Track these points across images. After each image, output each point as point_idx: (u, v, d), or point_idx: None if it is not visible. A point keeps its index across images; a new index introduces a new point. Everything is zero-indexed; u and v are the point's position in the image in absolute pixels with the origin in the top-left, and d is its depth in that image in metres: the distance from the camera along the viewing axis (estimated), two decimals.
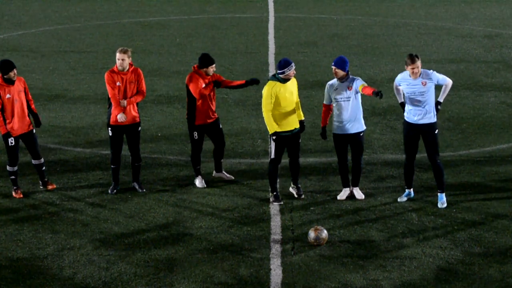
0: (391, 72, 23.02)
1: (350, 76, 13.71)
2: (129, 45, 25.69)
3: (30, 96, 14.28)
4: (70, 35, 29.30)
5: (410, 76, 13.36)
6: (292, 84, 13.65)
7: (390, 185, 14.54)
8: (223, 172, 14.69)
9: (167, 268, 11.38)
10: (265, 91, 13.50)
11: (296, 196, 13.94)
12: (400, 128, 17.62)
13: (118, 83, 13.93)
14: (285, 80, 13.47)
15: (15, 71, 13.85)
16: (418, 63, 13.24)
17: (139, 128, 14.26)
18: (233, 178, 14.58)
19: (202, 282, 10.98)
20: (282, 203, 13.65)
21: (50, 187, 14.39)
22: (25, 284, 10.96)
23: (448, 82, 13.56)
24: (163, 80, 22.27)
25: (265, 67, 23.94)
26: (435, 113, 13.51)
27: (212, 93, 14.29)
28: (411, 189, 13.92)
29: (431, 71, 13.45)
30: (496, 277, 11.15)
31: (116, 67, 14.00)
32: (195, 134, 14.31)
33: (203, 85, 14.13)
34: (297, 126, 13.75)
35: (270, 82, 13.54)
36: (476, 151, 16.42)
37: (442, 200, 13.62)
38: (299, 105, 13.86)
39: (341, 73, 13.59)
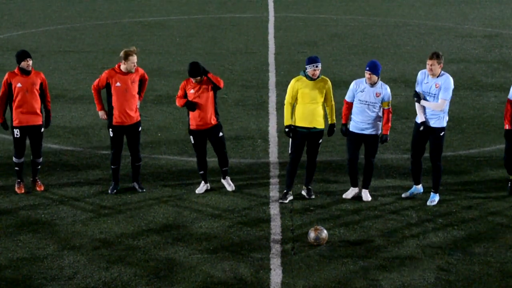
0: (391, 72, 23.03)
1: (380, 82, 13.58)
2: (129, 45, 25.65)
3: (47, 93, 14.20)
4: (70, 35, 29.28)
5: (428, 74, 13.38)
6: (320, 84, 13.60)
7: (390, 185, 14.54)
8: (226, 179, 14.46)
9: (167, 268, 11.38)
10: (290, 84, 13.73)
11: (307, 197, 13.96)
12: (400, 128, 17.72)
13: (117, 84, 13.90)
14: (310, 78, 13.53)
15: (28, 61, 13.78)
16: (436, 61, 13.12)
17: (140, 128, 14.25)
18: (234, 188, 14.41)
19: (202, 282, 10.98)
20: (286, 201, 13.68)
21: (38, 188, 14.32)
22: (25, 284, 10.95)
23: (441, 102, 13.29)
24: (163, 80, 22.26)
25: (265, 67, 23.92)
26: (446, 118, 13.47)
27: (202, 99, 13.82)
28: (420, 185, 13.88)
29: (450, 79, 13.30)
30: (496, 277, 11.15)
31: (118, 67, 13.95)
32: (191, 138, 14.22)
33: (191, 91, 13.92)
34: (318, 126, 13.66)
35: (297, 76, 13.73)
36: (476, 151, 16.43)
37: (433, 199, 13.64)
38: (332, 109, 13.76)
39: (375, 78, 13.42)
